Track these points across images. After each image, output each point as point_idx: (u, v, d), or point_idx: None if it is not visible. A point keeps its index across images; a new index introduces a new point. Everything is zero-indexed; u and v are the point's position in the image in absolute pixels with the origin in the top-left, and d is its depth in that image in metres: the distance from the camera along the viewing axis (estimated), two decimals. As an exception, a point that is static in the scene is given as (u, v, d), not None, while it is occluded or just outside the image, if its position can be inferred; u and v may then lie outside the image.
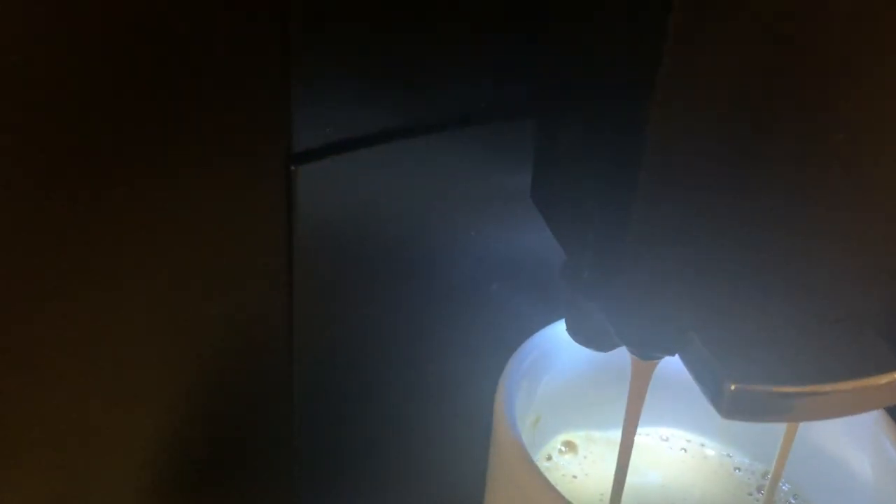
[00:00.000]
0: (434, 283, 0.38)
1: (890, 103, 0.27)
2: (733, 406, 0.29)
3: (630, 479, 0.37)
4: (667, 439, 0.42)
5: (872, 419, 0.37)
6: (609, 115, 0.29)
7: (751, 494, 0.41)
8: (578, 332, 0.34)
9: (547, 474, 0.34)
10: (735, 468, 0.41)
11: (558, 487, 0.33)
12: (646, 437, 0.42)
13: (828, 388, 0.29)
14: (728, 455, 0.42)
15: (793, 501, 0.40)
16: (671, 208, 0.28)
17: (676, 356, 0.31)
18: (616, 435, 0.37)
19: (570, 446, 0.42)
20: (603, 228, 0.30)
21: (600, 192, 0.30)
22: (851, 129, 0.28)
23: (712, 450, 0.42)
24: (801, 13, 0.25)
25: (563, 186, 0.33)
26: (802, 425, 0.37)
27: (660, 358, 0.32)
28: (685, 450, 0.42)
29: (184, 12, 0.29)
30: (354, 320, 0.37)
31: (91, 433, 0.35)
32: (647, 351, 0.31)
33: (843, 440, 0.38)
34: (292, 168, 0.33)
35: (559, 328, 0.37)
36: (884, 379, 0.30)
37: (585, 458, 0.41)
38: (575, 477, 0.40)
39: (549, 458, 0.41)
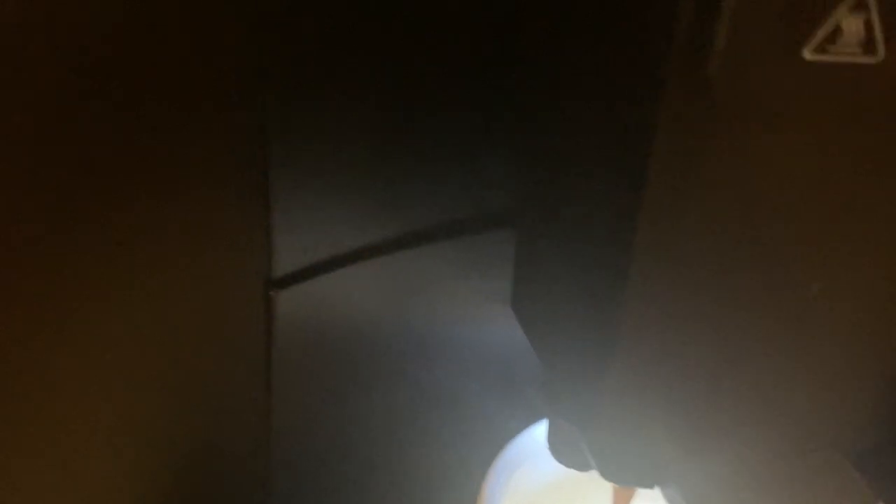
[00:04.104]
0: (414, 388, 0.38)
1: (860, 258, 0.28)
2: (710, 547, 0.29)
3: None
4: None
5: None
6: (589, 250, 0.29)
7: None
8: (560, 452, 0.34)
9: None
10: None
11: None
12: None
13: (804, 527, 0.30)
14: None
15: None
16: (650, 348, 0.28)
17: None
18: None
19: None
20: (583, 365, 0.30)
21: (580, 329, 0.30)
22: (826, 280, 0.28)
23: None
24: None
25: (543, 311, 0.33)
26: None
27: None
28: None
29: (164, 142, 0.29)
30: (334, 430, 0.37)
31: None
32: (625, 482, 0.31)
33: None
34: (271, 293, 0.32)
35: (538, 431, 0.37)
36: (859, 515, 0.30)
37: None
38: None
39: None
